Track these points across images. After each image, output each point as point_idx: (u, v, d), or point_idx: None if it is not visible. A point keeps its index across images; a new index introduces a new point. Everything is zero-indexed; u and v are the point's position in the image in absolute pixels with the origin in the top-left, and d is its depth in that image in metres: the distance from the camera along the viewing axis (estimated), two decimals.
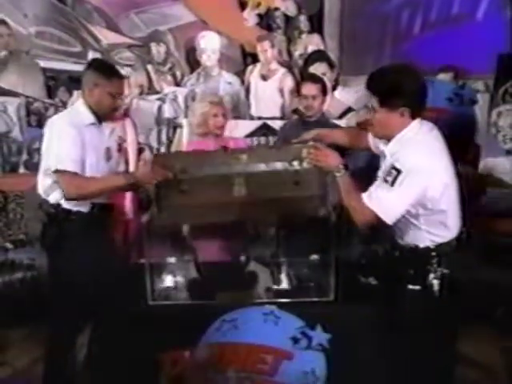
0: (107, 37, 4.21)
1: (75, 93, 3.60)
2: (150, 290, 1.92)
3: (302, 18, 4.39)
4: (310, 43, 4.15)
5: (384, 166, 1.63)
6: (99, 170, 2.03)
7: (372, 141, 1.78)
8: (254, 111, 3.66)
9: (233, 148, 2.22)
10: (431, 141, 1.61)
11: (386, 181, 1.55)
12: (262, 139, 3.28)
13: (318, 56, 3.61)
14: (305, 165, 1.85)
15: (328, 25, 4.38)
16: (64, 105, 3.57)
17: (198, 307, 1.93)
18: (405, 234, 1.66)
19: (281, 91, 3.61)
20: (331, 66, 3.51)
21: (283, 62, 3.95)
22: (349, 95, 3.62)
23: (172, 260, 2.08)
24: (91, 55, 3.92)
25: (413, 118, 1.59)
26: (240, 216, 1.93)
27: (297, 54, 4.21)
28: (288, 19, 4.46)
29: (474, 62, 3.55)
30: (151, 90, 3.87)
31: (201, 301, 1.95)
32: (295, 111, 3.03)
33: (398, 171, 1.53)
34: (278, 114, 3.59)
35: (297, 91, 2.87)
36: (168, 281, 2.05)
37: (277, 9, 4.47)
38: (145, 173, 1.97)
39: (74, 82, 3.56)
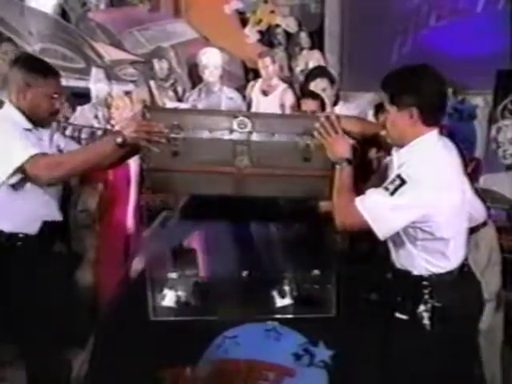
0: (110, 53, 4.27)
1: (78, 108, 3.65)
2: (152, 306, 1.91)
3: (303, 35, 4.46)
4: (311, 59, 4.20)
5: (391, 175, 1.47)
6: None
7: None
8: None
9: (238, 110, 1.98)
10: (446, 157, 1.46)
11: (386, 188, 1.39)
12: None
13: (319, 72, 3.64)
14: (316, 141, 1.63)
15: (328, 41, 4.44)
16: (66, 120, 3.60)
17: (199, 323, 1.92)
18: (399, 256, 1.51)
19: (282, 106, 3.64)
20: (332, 81, 3.55)
21: (284, 78, 4.00)
22: (349, 110, 3.66)
23: (173, 275, 2.08)
24: (94, 71, 3.97)
25: (426, 124, 1.44)
26: (241, 190, 1.70)
27: (298, 69, 4.26)
28: (289, 36, 4.53)
29: (474, 77, 3.60)
30: (153, 105, 3.90)
31: (202, 317, 1.94)
32: None
33: (403, 181, 1.37)
34: None
35: (297, 107, 2.94)
36: (169, 296, 2.04)
37: (278, 25, 4.54)
38: (133, 127, 1.60)
39: (77, 97, 3.60)
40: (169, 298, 2.02)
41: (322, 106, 2.81)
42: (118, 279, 2.77)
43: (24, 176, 1.63)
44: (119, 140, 1.57)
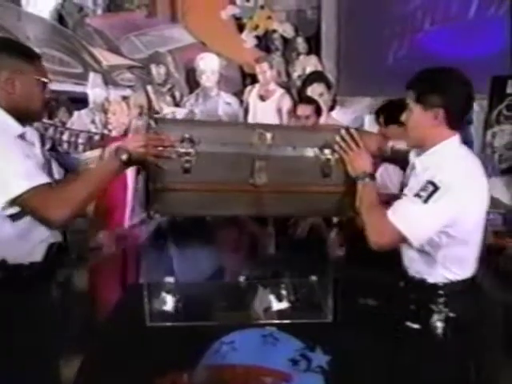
0: (108, 58, 4.28)
1: (75, 113, 3.65)
2: (148, 311, 1.90)
3: (300, 40, 4.48)
4: (308, 64, 4.22)
5: (413, 181, 1.42)
6: None
7: (391, 144, 1.61)
8: None
9: (257, 123, 1.82)
10: (474, 161, 1.43)
11: (418, 196, 1.33)
12: None
13: (316, 77, 3.67)
14: (337, 155, 1.55)
15: (325, 46, 4.47)
16: (63, 125, 3.60)
17: (196, 328, 1.92)
18: (414, 264, 1.45)
19: (279, 111, 3.65)
20: (329, 86, 3.57)
21: (281, 83, 4.02)
22: (346, 115, 3.68)
23: (171, 280, 2.07)
24: (92, 76, 3.98)
25: (450, 127, 1.41)
26: (258, 209, 1.58)
27: (295, 75, 4.28)
28: (286, 41, 4.55)
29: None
30: (151, 110, 3.91)
31: (199, 322, 1.94)
32: None
33: (436, 187, 1.32)
34: None
35: (293, 112, 2.97)
36: (166, 301, 2.03)
37: (274, 31, 4.57)
38: (139, 141, 1.41)
39: (74, 102, 3.60)
40: (166, 303, 2.02)
41: (318, 111, 2.86)
42: (115, 284, 2.77)
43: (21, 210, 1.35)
44: (124, 157, 1.38)
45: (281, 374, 1.75)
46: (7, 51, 1.42)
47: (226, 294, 2.02)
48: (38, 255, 1.42)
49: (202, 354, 1.78)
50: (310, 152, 1.55)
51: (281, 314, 1.88)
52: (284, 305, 1.91)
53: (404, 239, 1.36)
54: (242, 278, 2.05)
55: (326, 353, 1.72)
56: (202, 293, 2.05)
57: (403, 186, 1.82)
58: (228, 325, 1.85)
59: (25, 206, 1.34)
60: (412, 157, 1.50)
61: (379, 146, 1.60)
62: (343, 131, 1.55)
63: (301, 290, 1.90)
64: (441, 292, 1.40)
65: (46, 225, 1.38)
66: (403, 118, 1.47)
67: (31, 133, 1.50)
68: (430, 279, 1.42)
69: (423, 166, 1.42)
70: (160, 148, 1.42)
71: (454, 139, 1.43)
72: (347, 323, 1.78)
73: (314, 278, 1.90)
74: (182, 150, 1.45)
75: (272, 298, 1.92)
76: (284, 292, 1.92)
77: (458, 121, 1.43)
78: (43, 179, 1.35)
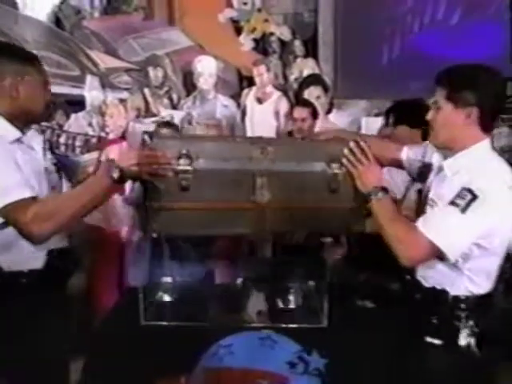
0: (105, 61, 4.28)
1: (72, 116, 3.65)
2: (143, 309, 1.88)
3: (297, 43, 4.49)
4: (305, 67, 4.23)
5: (442, 186, 1.31)
6: None
7: (407, 155, 1.49)
8: (249, 133, 3.70)
9: (258, 136, 1.73)
10: (506, 169, 1.30)
11: (455, 204, 1.22)
12: None
13: (313, 80, 3.68)
14: (345, 169, 1.46)
15: (322, 49, 4.48)
16: (61, 127, 3.59)
17: (193, 331, 1.92)
18: (434, 274, 1.33)
19: (276, 114, 3.66)
20: (326, 89, 3.58)
21: (279, 86, 4.02)
22: (343, 118, 3.69)
23: (167, 279, 2.07)
24: (89, 79, 3.97)
25: (482, 127, 1.30)
26: (260, 228, 1.49)
27: (292, 77, 4.29)
28: (283, 44, 4.56)
29: None
30: (148, 113, 3.91)
31: (195, 323, 1.93)
32: (290, 133, 3.10)
33: (474, 195, 1.20)
34: (273, 136, 3.63)
35: (290, 114, 3.00)
36: (162, 301, 2.02)
37: (272, 34, 4.58)
38: (132, 158, 1.32)
39: (72, 105, 3.60)
40: (162, 303, 2.01)
41: (314, 114, 2.89)
42: (112, 285, 2.76)
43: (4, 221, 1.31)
44: (116, 175, 1.30)
45: (278, 376, 1.74)
46: (7, 56, 1.40)
47: (222, 295, 2.02)
48: (36, 262, 1.38)
49: (199, 356, 1.78)
50: (316, 167, 1.46)
51: (276, 317, 1.88)
52: (279, 308, 1.91)
53: (439, 253, 1.24)
54: (238, 280, 2.05)
55: (323, 356, 1.72)
56: (197, 294, 2.04)
57: (407, 190, 1.79)
58: (225, 328, 1.85)
59: (6, 218, 1.31)
60: (436, 159, 1.39)
61: (393, 157, 1.50)
62: (352, 143, 1.43)
63: (298, 293, 1.91)
64: (463, 306, 1.30)
65: (26, 239, 1.31)
66: (429, 116, 1.35)
67: (33, 136, 1.48)
68: (452, 291, 1.30)
69: (453, 169, 1.30)
70: (155, 166, 1.34)
71: (486, 142, 1.32)
72: (345, 326, 1.78)
73: (311, 282, 1.90)
74: (179, 168, 1.38)
75: (268, 300, 1.92)
76: (281, 295, 1.92)
77: (490, 121, 1.32)
78: (25, 193, 1.29)
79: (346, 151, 1.43)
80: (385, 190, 1.37)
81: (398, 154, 1.50)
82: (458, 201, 1.22)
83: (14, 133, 1.39)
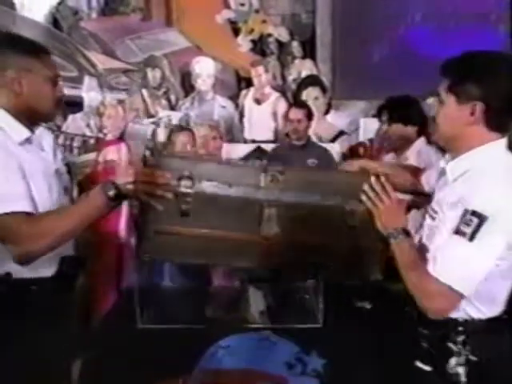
0: (103, 62, 4.28)
1: (70, 117, 3.64)
2: (140, 312, 1.88)
3: (295, 44, 4.50)
4: (303, 68, 4.24)
5: (443, 194, 1.17)
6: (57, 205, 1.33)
7: (425, 178, 1.37)
8: (247, 134, 3.71)
9: (269, 163, 1.59)
10: None
11: (460, 233, 1.06)
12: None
13: (311, 80, 3.70)
14: (364, 206, 1.30)
15: (320, 50, 4.48)
16: (58, 128, 3.59)
17: (192, 333, 1.92)
18: None
19: (274, 115, 3.67)
20: (324, 90, 3.60)
21: (277, 87, 4.03)
22: (341, 119, 3.70)
23: (165, 282, 2.07)
24: (87, 80, 3.97)
25: (489, 126, 1.11)
26: (266, 262, 1.37)
27: (290, 78, 4.29)
28: (281, 45, 4.56)
29: None
30: (146, 114, 3.91)
31: (193, 325, 1.93)
32: (288, 134, 3.11)
33: (481, 218, 1.03)
34: (271, 137, 3.64)
35: (286, 115, 3.03)
36: (159, 304, 2.03)
37: (270, 35, 4.58)
38: (129, 176, 1.22)
39: (69, 106, 3.59)
40: (160, 306, 2.01)
41: (309, 115, 2.92)
42: (110, 289, 2.75)
43: None
44: (111, 193, 1.21)
45: (276, 377, 1.75)
46: (12, 47, 1.29)
47: (220, 297, 2.02)
48: (48, 270, 1.31)
49: (199, 358, 1.78)
50: (331, 200, 1.31)
51: (275, 318, 1.89)
52: (278, 308, 1.91)
53: (459, 294, 1.09)
54: (237, 282, 2.05)
55: (321, 356, 1.73)
56: (195, 296, 2.04)
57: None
58: (223, 328, 1.85)
59: None
60: (442, 162, 1.23)
61: (414, 188, 1.38)
62: (373, 179, 1.27)
63: (296, 294, 1.91)
64: (461, 329, 1.14)
65: (13, 255, 1.21)
66: (434, 111, 1.21)
67: (42, 135, 1.39)
68: (451, 315, 1.14)
69: (455, 174, 1.14)
70: (153, 185, 1.23)
71: (497, 144, 1.12)
72: (342, 326, 1.79)
73: (309, 283, 1.90)
74: (180, 190, 1.27)
75: (266, 301, 1.93)
76: (278, 296, 1.93)
77: (499, 120, 1.11)
78: (19, 207, 1.21)
79: (366, 187, 1.28)
80: (407, 232, 1.20)
81: (418, 181, 1.36)
82: (464, 228, 1.06)
83: (23, 132, 1.30)
